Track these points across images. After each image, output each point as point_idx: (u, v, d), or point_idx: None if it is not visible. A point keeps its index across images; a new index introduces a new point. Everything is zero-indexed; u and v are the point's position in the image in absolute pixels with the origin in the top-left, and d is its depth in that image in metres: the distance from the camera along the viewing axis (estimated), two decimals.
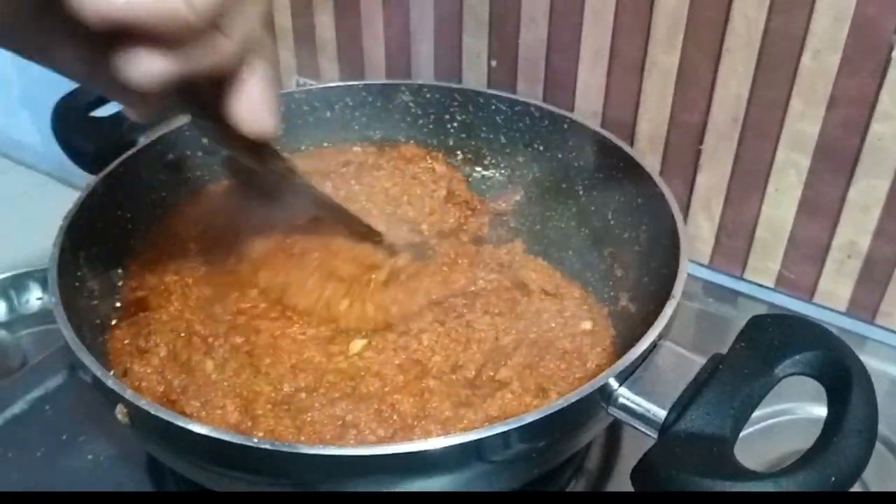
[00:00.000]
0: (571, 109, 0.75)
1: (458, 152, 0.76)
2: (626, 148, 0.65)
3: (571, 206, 0.70)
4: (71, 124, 0.69)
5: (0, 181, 1.05)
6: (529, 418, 0.43)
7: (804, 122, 0.65)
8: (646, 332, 0.48)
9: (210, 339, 0.57)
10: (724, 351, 0.46)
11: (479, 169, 0.75)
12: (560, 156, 0.70)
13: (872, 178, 0.64)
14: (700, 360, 0.47)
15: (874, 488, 0.58)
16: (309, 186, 0.58)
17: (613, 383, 0.46)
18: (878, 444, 0.43)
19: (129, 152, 0.65)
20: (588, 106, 0.75)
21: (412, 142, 0.75)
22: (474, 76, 0.80)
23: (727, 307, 0.74)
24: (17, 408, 0.64)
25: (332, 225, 0.61)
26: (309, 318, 0.59)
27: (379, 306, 0.60)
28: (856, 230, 0.67)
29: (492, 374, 0.55)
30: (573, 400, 0.44)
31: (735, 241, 0.74)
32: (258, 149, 0.48)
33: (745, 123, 0.68)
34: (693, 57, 0.68)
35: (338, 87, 0.76)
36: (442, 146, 0.75)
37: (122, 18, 0.33)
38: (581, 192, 0.69)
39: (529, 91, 0.78)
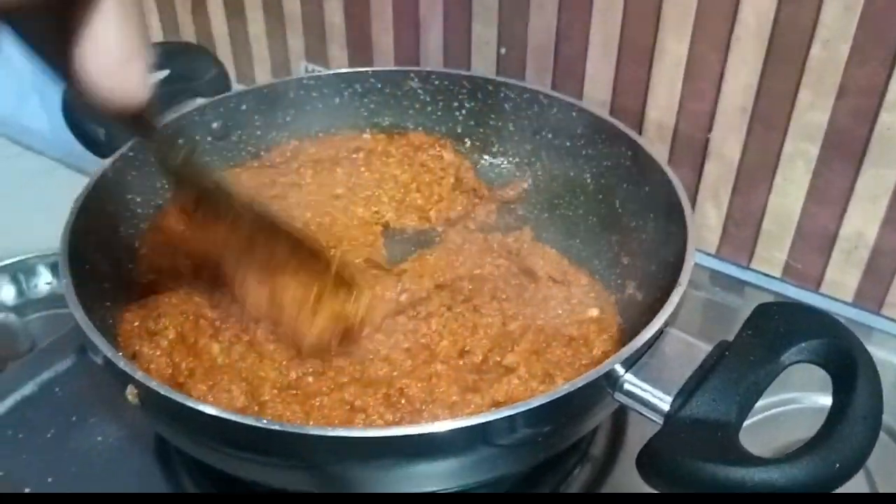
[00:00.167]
0: (580, 97, 0.75)
1: (467, 140, 0.75)
2: (635, 136, 0.65)
3: (579, 194, 0.70)
4: (81, 108, 0.69)
5: (9, 166, 1.05)
6: (536, 402, 0.43)
7: (813, 111, 0.65)
8: (652, 319, 0.48)
9: (217, 323, 0.57)
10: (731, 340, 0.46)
11: (487, 157, 0.75)
12: (568, 144, 0.70)
13: (881, 167, 0.64)
14: (706, 348, 0.47)
15: (877, 477, 0.58)
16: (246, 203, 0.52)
17: (620, 369, 0.46)
18: (881, 434, 0.44)
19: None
20: (597, 94, 0.75)
21: (420, 129, 0.75)
22: (483, 64, 0.80)
23: (734, 296, 0.74)
24: (28, 390, 0.65)
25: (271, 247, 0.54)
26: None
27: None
28: (863, 220, 0.67)
29: (499, 359, 0.56)
30: (579, 385, 0.44)
31: (742, 230, 0.74)
32: (143, 128, 0.38)
33: (753, 113, 0.68)
34: (702, 46, 0.67)
35: (347, 73, 0.76)
36: (450, 134, 0.75)
37: None
38: (589, 181, 0.69)
39: (538, 79, 0.77)
